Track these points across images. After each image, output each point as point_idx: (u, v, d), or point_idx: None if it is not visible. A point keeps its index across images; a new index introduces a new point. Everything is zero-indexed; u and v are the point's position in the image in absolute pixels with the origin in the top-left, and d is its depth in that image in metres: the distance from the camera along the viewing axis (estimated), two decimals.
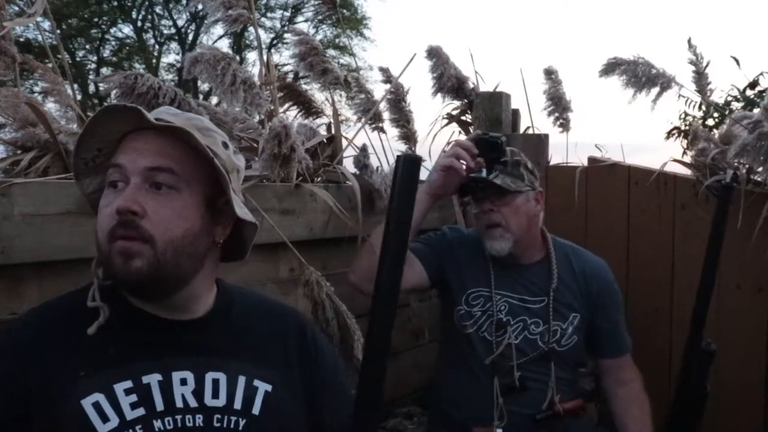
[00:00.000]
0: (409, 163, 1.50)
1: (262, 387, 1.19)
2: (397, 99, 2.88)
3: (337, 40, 20.23)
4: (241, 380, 1.18)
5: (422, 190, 2.00)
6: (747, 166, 2.55)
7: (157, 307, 1.17)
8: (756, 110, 3.13)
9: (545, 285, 2.12)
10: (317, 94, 2.85)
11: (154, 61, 20.80)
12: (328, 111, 2.68)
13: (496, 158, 2.00)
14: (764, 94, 4.60)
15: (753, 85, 4.93)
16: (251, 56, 20.04)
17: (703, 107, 4.42)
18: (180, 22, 21.08)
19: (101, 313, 1.12)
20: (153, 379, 1.11)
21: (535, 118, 3.33)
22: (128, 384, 1.09)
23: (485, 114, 2.92)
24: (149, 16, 21.18)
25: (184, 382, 1.13)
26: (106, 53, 21.14)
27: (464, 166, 1.93)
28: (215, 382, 1.16)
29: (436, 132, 3.12)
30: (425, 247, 2.20)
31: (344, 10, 18.13)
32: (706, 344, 1.78)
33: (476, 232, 2.23)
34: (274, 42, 19.98)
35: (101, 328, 1.12)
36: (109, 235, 1.09)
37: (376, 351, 1.51)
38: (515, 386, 2.02)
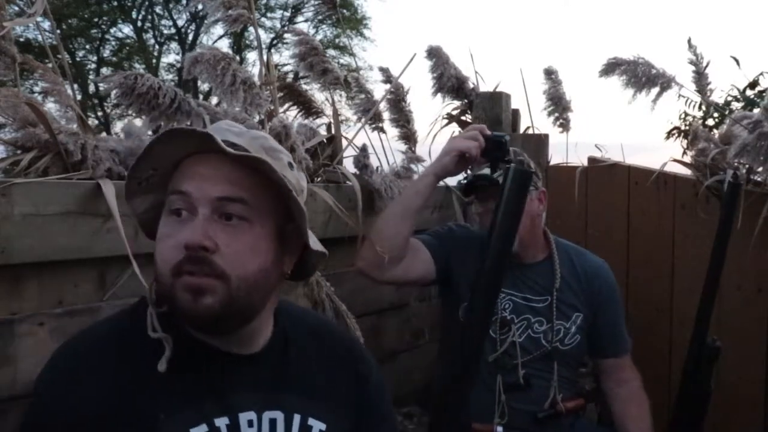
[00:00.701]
0: (519, 176, 1.51)
1: (317, 426, 1.16)
2: (397, 99, 2.88)
3: (337, 40, 20.25)
4: (297, 419, 1.15)
5: (430, 172, 2.00)
6: (747, 166, 2.55)
7: (218, 340, 1.11)
8: (756, 110, 3.12)
9: (548, 284, 2.12)
10: (317, 94, 2.85)
11: (154, 61, 20.80)
12: (328, 111, 2.68)
13: (501, 157, 2.00)
14: (764, 94, 4.61)
15: (753, 85, 4.94)
16: (251, 56, 20.07)
17: (703, 107, 4.42)
18: (180, 22, 21.10)
19: (166, 346, 1.05)
20: (222, 423, 1.07)
21: (535, 118, 3.34)
22: (203, 429, 1.05)
23: (485, 114, 2.92)
24: (149, 16, 21.19)
25: (250, 424, 1.10)
26: (106, 53, 21.15)
27: (478, 151, 1.93)
28: (272, 423, 1.12)
29: (436, 132, 3.13)
30: (433, 239, 2.19)
31: (344, 10, 18.12)
32: (711, 341, 1.77)
33: (482, 232, 2.22)
34: (274, 42, 19.98)
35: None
36: (175, 270, 1.02)
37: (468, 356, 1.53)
38: (520, 384, 2.02)
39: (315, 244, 1.17)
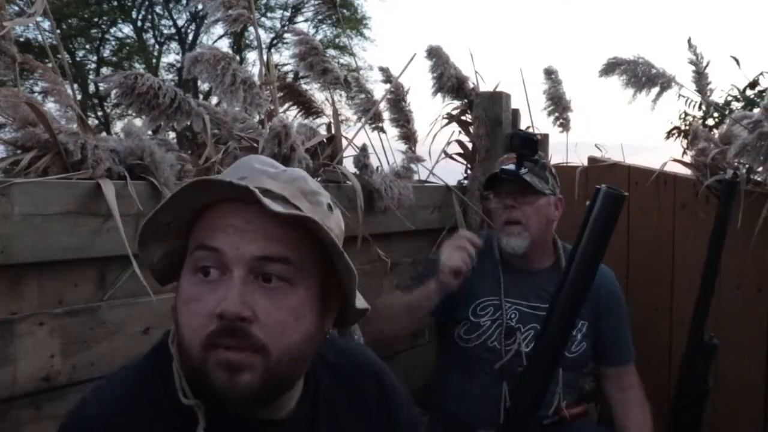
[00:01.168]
0: (612, 199, 1.47)
1: None
2: (397, 99, 2.87)
3: (337, 40, 20.25)
4: None
5: (434, 288, 1.99)
6: (747, 166, 2.56)
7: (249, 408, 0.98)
8: (756, 110, 3.12)
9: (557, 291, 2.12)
10: (317, 93, 2.85)
11: (154, 61, 20.79)
12: (328, 111, 2.68)
13: (529, 155, 2.00)
14: (764, 93, 4.61)
15: (753, 84, 4.94)
16: (251, 56, 20.05)
17: (703, 107, 4.42)
18: (180, 22, 21.09)
19: (199, 416, 0.92)
20: None
21: (535, 117, 3.33)
22: None
23: (485, 114, 2.92)
24: (149, 16, 21.18)
25: None
26: (106, 53, 21.14)
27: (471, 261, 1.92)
28: None
29: (436, 132, 3.12)
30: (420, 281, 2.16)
31: (344, 10, 18.12)
32: (709, 338, 1.78)
33: (484, 236, 2.23)
34: (274, 42, 19.98)
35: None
36: (207, 343, 0.88)
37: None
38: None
39: (360, 302, 1.05)
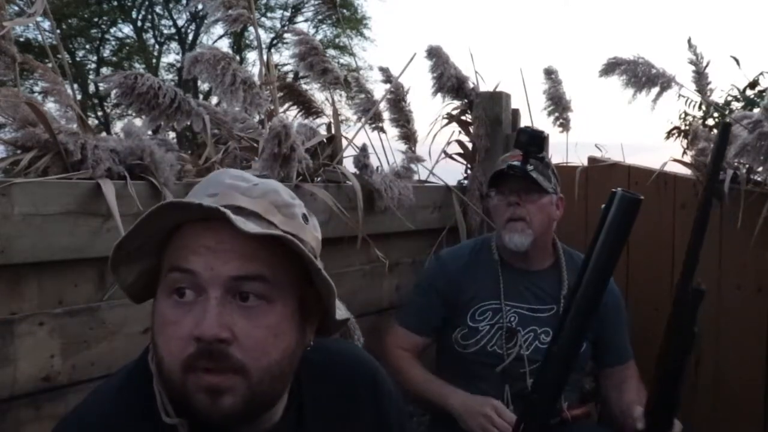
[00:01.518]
0: (627, 203, 1.46)
1: None
2: (397, 99, 2.87)
3: (337, 40, 20.24)
4: None
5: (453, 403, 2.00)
6: (747, 165, 2.55)
7: None
8: (756, 110, 3.12)
9: (555, 292, 2.11)
10: (317, 93, 2.86)
11: (154, 61, 20.78)
12: (328, 111, 2.69)
13: (536, 152, 1.99)
14: (764, 93, 4.61)
15: (753, 84, 4.94)
16: (251, 56, 20.05)
17: (703, 107, 4.42)
18: (180, 22, 21.08)
19: None
20: None
21: (535, 117, 3.34)
22: None
23: (485, 114, 2.92)
24: (149, 16, 21.17)
25: None
26: (106, 53, 21.13)
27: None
28: None
29: (436, 132, 3.12)
30: (426, 310, 2.19)
31: (344, 10, 18.12)
32: (696, 284, 1.77)
33: (480, 240, 2.23)
34: (274, 42, 19.97)
35: None
36: (186, 366, 0.87)
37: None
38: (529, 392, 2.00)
39: (340, 313, 1.03)
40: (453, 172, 3.00)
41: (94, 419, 0.94)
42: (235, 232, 0.86)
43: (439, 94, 3.01)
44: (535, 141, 1.98)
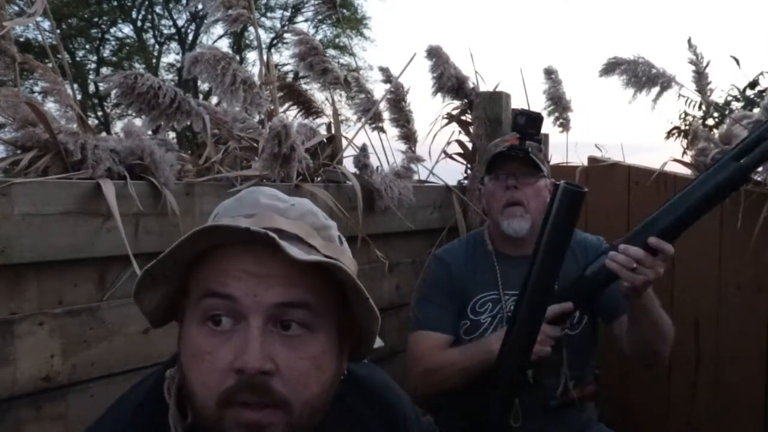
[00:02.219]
0: (571, 195, 1.50)
1: None
2: (397, 99, 2.87)
3: (337, 40, 20.24)
4: None
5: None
6: None
7: None
8: (756, 110, 3.12)
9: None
10: (317, 93, 2.85)
11: (154, 60, 20.78)
12: (328, 111, 2.68)
13: (533, 134, 1.98)
14: (764, 93, 4.61)
15: (753, 84, 4.94)
16: (251, 56, 20.07)
17: (703, 107, 4.42)
18: (180, 22, 21.08)
19: None
20: None
21: None
22: None
23: (485, 114, 2.92)
24: (149, 16, 21.17)
25: None
26: (106, 53, 21.13)
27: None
28: None
29: (436, 132, 3.12)
30: (441, 309, 2.13)
31: (344, 10, 18.12)
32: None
33: (473, 234, 2.22)
34: (274, 42, 19.97)
35: None
36: (224, 399, 0.81)
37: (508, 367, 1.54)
38: (530, 382, 1.97)
39: (378, 342, 0.98)
40: (453, 172, 3.00)
41: None
42: (277, 256, 0.81)
43: (439, 94, 3.01)
44: (534, 123, 1.98)
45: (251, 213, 0.88)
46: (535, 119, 1.98)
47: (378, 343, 0.98)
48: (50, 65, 2.05)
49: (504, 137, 2.19)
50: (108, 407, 0.99)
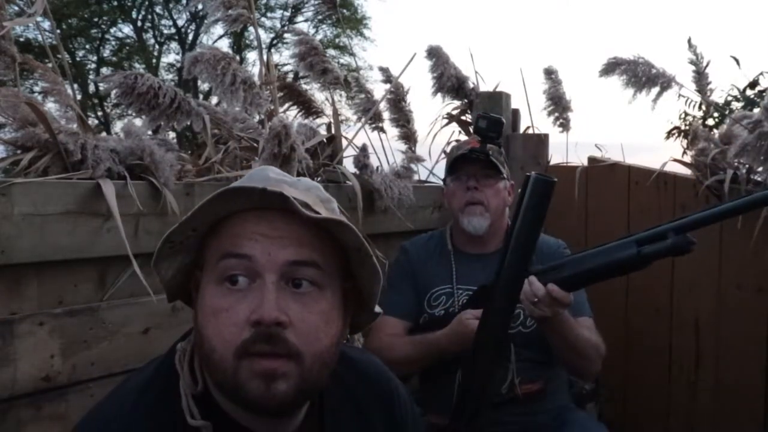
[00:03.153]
0: (542, 185, 1.55)
1: None
2: (397, 99, 2.87)
3: (337, 40, 20.20)
4: None
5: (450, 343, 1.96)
6: (747, 166, 2.55)
7: (258, 421, 0.94)
8: (756, 110, 3.12)
9: None
10: (317, 93, 2.85)
11: (154, 61, 20.76)
12: (328, 111, 2.68)
13: (495, 138, 2.03)
14: (764, 93, 4.60)
15: (753, 84, 4.93)
16: (251, 56, 20.04)
17: (703, 107, 4.41)
18: (180, 22, 21.05)
19: None
20: None
21: (535, 117, 3.33)
22: None
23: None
24: (149, 16, 21.14)
25: None
26: (106, 53, 21.09)
27: None
28: None
29: (436, 132, 3.12)
30: (401, 297, 2.18)
31: (344, 10, 18.10)
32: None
33: (437, 234, 2.26)
34: (274, 42, 19.95)
35: None
36: (241, 350, 0.86)
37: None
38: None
39: (378, 309, 1.06)
40: None
41: (115, 421, 0.93)
42: (287, 219, 0.89)
43: (439, 94, 3.02)
44: (494, 127, 2.03)
45: (262, 185, 0.91)
46: (496, 122, 2.03)
47: (377, 309, 1.06)
48: (50, 65, 2.05)
49: (466, 139, 2.22)
50: (121, 381, 1.03)
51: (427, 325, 2.11)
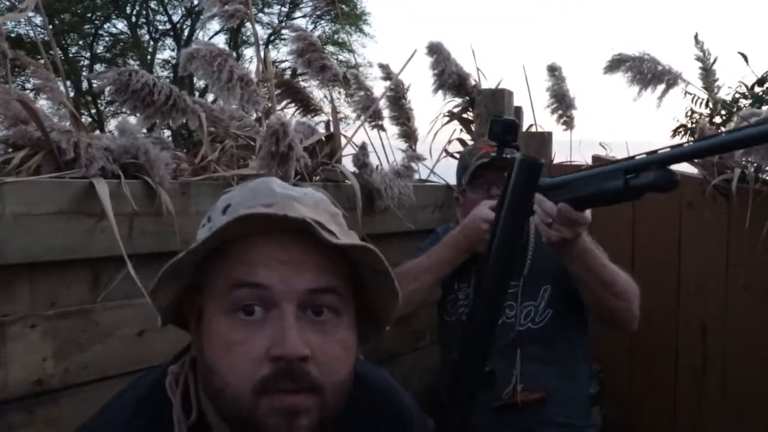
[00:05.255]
0: (527, 166, 1.50)
1: None
2: (397, 96, 2.86)
3: (335, 36, 20.28)
4: None
5: (461, 240, 1.96)
6: (755, 164, 2.54)
7: None
8: (764, 107, 3.11)
9: (521, 268, 2.08)
10: (315, 91, 2.84)
11: (148, 57, 20.77)
12: (327, 108, 2.68)
13: (512, 141, 1.98)
14: None
15: (761, 81, 4.90)
16: (248, 52, 20.04)
17: (710, 104, 4.38)
18: (175, 18, 21.08)
19: None
20: None
21: (538, 115, 3.34)
22: None
23: (487, 111, 2.90)
24: (144, 12, 21.15)
25: None
26: (100, 49, 21.11)
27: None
28: None
29: (437, 130, 3.11)
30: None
31: (343, 6, 18.10)
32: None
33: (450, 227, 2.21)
34: (272, 38, 19.98)
35: None
36: (260, 388, 0.81)
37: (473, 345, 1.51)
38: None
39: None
40: (454, 171, 2.96)
41: None
42: (304, 242, 0.84)
43: (440, 92, 3.01)
44: (510, 130, 1.97)
45: (269, 202, 0.87)
46: (511, 126, 1.97)
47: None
48: (42, 61, 2.04)
49: (477, 144, 2.17)
50: (109, 400, 0.99)
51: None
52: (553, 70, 3.32)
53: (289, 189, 0.91)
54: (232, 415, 0.84)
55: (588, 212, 1.65)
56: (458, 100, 3.07)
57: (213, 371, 0.85)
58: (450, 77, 2.92)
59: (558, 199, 1.61)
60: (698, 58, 2.86)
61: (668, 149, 1.39)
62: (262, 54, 2.51)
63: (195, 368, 0.93)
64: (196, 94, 15.69)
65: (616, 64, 2.61)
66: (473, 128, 2.99)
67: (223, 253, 0.87)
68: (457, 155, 3.04)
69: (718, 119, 4.38)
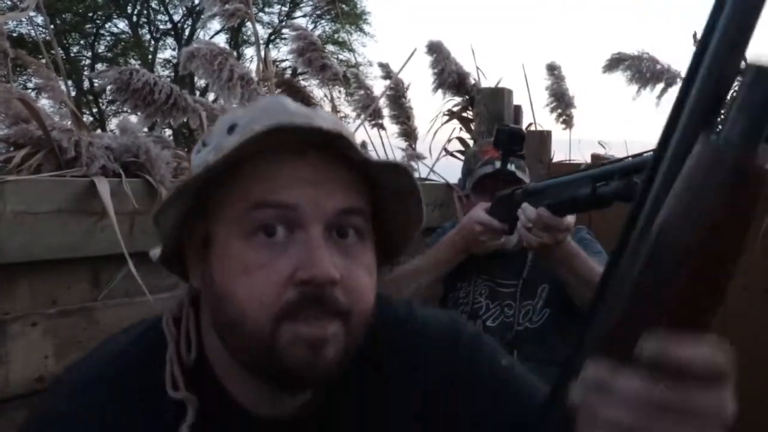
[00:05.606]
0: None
1: None
2: (397, 95, 2.87)
3: (336, 36, 20.23)
4: None
5: (458, 241, 1.96)
6: None
7: (264, 393, 0.81)
8: None
9: (522, 268, 2.09)
10: (316, 90, 2.85)
11: (149, 56, 20.76)
12: (327, 107, 2.67)
13: (518, 150, 1.97)
14: None
15: None
16: (249, 52, 19.98)
17: None
18: (176, 17, 21.05)
19: (189, 409, 0.78)
20: None
21: (537, 114, 3.35)
22: None
23: (487, 110, 2.89)
24: (145, 11, 21.14)
25: None
26: (101, 49, 21.08)
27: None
28: None
29: (437, 129, 3.11)
30: None
31: (343, 5, 18.07)
32: None
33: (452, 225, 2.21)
34: (272, 37, 19.95)
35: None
36: (283, 314, 0.72)
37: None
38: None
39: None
40: (454, 170, 2.97)
41: (88, 383, 0.80)
42: (328, 160, 0.76)
43: (439, 91, 3.01)
44: (516, 139, 1.96)
45: (287, 119, 0.77)
46: (518, 135, 1.96)
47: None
48: (44, 61, 2.04)
49: (482, 147, 2.16)
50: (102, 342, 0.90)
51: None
52: (553, 69, 3.32)
53: (303, 108, 0.81)
54: (249, 348, 0.75)
55: (569, 218, 1.66)
56: (458, 99, 3.07)
57: (227, 298, 0.75)
58: (450, 76, 2.92)
59: (539, 204, 1.64)
60: None
61: (631, 158, 1.39)
62: (262, 53, 2.52)
63: (194, 305, 0.86)
64: (197, 93, 15.68)
65: (615, 63, 2.62)
66: (473, 127, 2.99)
67: (234, 173, 0.77)
68: (457, 154, 3.05)
69: None
